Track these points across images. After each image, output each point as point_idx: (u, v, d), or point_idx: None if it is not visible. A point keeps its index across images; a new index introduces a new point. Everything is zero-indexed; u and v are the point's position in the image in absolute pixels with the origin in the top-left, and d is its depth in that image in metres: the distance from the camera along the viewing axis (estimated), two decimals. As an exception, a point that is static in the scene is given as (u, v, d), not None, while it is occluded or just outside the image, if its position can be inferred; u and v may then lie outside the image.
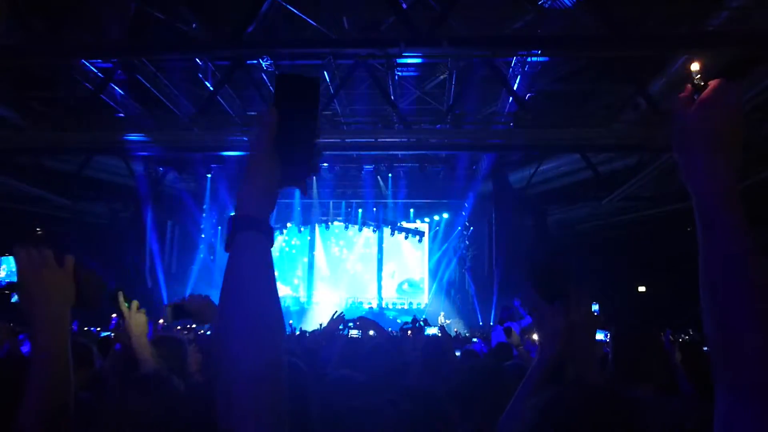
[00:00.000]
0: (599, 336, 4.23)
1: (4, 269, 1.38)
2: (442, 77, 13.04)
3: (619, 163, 14.18)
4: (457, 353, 4.57)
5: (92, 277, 1.41)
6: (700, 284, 0.84)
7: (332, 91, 12.38)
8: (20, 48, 8.80)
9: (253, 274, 0.87)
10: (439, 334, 6.90)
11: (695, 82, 0.94)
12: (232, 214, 0.90)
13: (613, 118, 12.18)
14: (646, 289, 17.15)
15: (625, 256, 15.48)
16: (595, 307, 5.14)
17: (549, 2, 9.70)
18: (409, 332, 4.88)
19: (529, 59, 11.31)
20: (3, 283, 1.39)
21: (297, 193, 18.80)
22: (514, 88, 11.81)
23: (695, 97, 0.92)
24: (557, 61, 11.82)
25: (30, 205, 16.01)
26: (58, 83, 12.69)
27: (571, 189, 16.00)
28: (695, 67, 0.96)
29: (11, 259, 1.36)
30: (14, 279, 1.34)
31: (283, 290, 21.01)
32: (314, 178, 18.27)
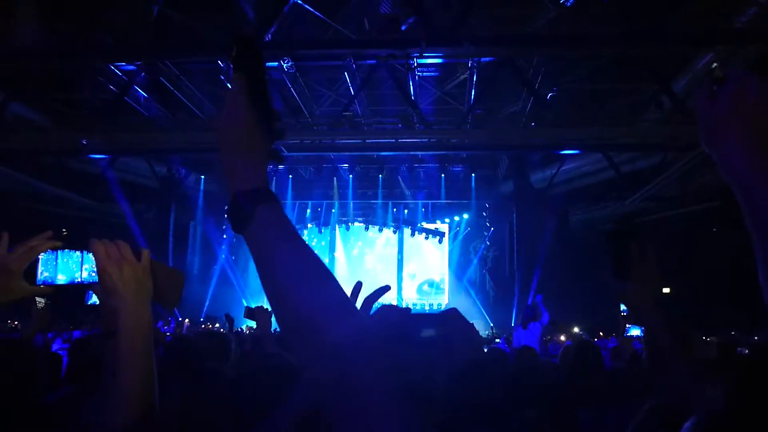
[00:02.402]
0: (635, 332, 4.18)
1: (86, 268, 1.36)
2: (462, 77, 12.99)
3: (643, 163, 13.99)
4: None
5: (170, 271, 1.36)
6: (762, 281, 0.78)
7: (353, 92, 12.40)
8: (47, 52, 8.96)
9: (288, 241, 0.83)
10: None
11: (716, 75, 0.91)
12: (234, 191, 0.85)
13: (636, 116, 12.03)
14: (671, 291, 16.91)
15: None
16: (624, 307, 5.09)
17: (571, 0, 9.61)
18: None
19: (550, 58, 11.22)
20: (86, 282, 1.37)
21: (318, 194, 18.86)
22: (535, 87, 11.72)
23: (715, 90, 0.89)
24: (579, 59, 11.70)
25: (55, 206, 16.29)
26: (83, 86, 12.90)
27: (593, 189, 15.83)
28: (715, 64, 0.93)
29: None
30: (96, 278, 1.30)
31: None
32: (334, 179, 18.38)
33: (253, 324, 3.66)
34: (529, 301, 14.39)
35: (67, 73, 12.24)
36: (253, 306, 3.29)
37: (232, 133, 0.87)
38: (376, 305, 1.33)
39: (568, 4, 9.65)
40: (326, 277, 0.81)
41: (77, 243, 1.34)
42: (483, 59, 11.61)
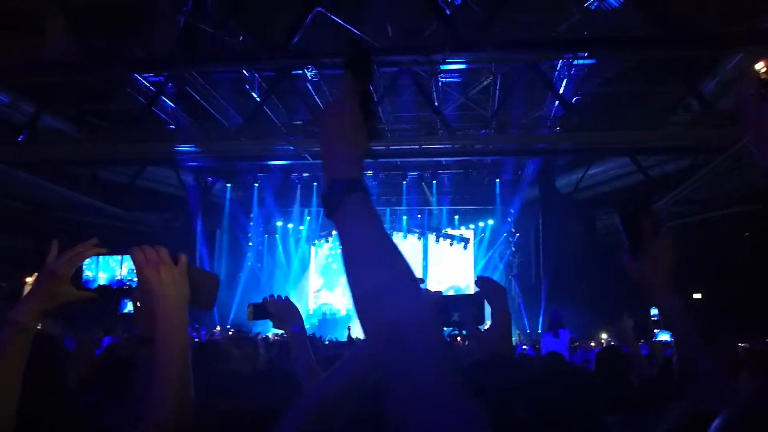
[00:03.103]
0: (665, 336, 4.10)
1: (126, 266, 1.40)
2: (486, 82, 12.94)
3: (671, 166, 13.77)
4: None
5: (205, 275, 1.41)
6: None
7: (376, 98, 12.44)
8: (78, 64, 9.18)
9: (373, 229, 0.89)
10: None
11: (763, 76, 0.90)
12: (330, 178, 0.92)
13: (664, 119, 11.84)
14: (703, 296, 16.55)
15: (680, 262, 14.96)
16: (655, 311, 4.99)
17: (595, 3, 9.53)
18: (459, 338, 4.80)
19: (575, 62, 11.12)
20: (125, 282, 1.41)
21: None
22: (561, 91, 11.63)
23: (765, 92, 0.88)
24: (605, 63, 11.58)
25: (85, 215, 16.63)
26: (112, 97, 13.17)
27: (620, 193, 15.61)
28: (760, 65, 0.93)
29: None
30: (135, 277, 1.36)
31: (330, 297, 21.18)
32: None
33: (279, 331, 3.46)
34: (556, 307, 14.24)
35: (96, 85, 12.51)
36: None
37: (338, 127, 0.95)
38: None
39: (593, 7, 9.58)
40: (398, 260, 0.87)
41: (115, 252, 1.37)
42: (507, 64, 11.57)
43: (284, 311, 2.37)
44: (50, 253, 1.40)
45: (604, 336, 13.89)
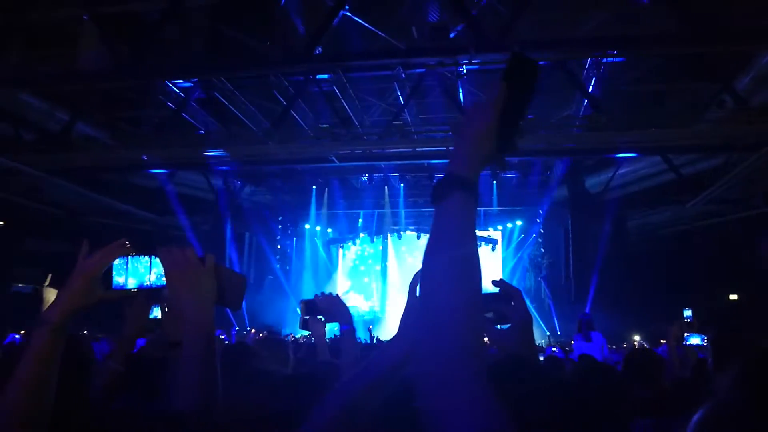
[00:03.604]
0: (696, 340, 4.01)
1: (155, 272, 1.43)
2: (512, 82, 12.83)
3: (704, 164, 13.48)
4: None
5: (233, 275, 1.42)
6: None
7: (402, 101, 12.44)
8: (109, 73, 9.38)
9: (464, 228, 0.92)
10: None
11: None
12: (447, 170, 0.96)
13: (696, 117, 11.60)
14: (738, 297, 16.15)
15: (713, 263, 14.66)
16: (688, 313, 4.88)
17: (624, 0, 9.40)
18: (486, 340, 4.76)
19: (603, 60, 10.97)
20: (154, 286, 1.44)
21: (369, 203, 18.97)
22: (589, 90, 11.48)
23: None
24: (634, 60, 11.39)
25: (118, 220, 16.98)
26: (143, 104, 13.43)
27: (652, 192, 15.35)
28: None
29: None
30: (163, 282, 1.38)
31: (356, 300, 21.23)
32: (385, 188, 18.45)
33: (306, 332, 3.57)
34: (586, 309, 14.04)
35: (127, 93, 12.76)
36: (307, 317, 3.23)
37: (472, 126, 0.98)
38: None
39: (622, 4, 9.44)
40: (473, 267, 0.91)
41: (143, 252, 1.40)
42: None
43: (334, 308, 2.43)
44: (81, 254, 1.43)
45: (636, 338, 13.65)
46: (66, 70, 9.92)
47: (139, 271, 1.43)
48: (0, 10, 9.56)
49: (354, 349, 2.36)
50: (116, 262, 1.43)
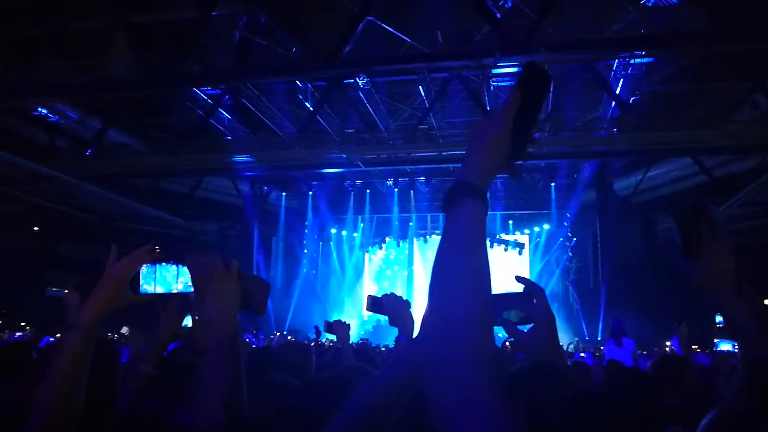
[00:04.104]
0: (726, 346, 3.94)
1: (182, 280, 1.47)
2: (539, 85, 12.73)
3: (737, 166, 13.18)
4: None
5: (256, 281, 1.45)
6: None
7: (427, 105, 12.45)
8: (139, 81, 9.58)
9: (474, 237, 0.93)
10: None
11: None
12: (458, 178, 0.96)
13: (728, 117, 11.36)
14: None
15: (747, 267, 14.28)
16: (720, 318, 4.78)
17: (652, 0, 9.25)
18: (508, 344, 4.70)
19: (631, 61, 10.82)
20: (182, 292, 1.48)
21: (395, 208, 19.02)
22: (617, 91, 11.33)
23: None
24: (663, 61, 11.22)
25: (148, 225, 17.28)
26: (172, 111, 13.67)
27: (683, 195, 15.05)
28: None
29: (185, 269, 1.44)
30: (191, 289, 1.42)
31: (383, 304, 21.17)
32: (411, 192, 18.45)
33: (333, 337, 3.55)
34: (617, 314, 13.82)
35: (157, 100, 13.01)
36: (332, 320, 3.27)
37: (483, 133, 0.98)
38: None
39: (650, 4, 9.31)
40: (482, 274, 0.92)
41: (170, 258, 1.43)
42: (560, 65, 11.37)
43: (399, 314, 2.29)
44: (110, 259, 1.47)
45: (668, 344, 13.38)
46: (99, 79, 10.16)
47: (166, 280, 1.47)
48: (36, 23, 9.84)
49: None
50: (144, 270, 1.46)
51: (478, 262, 0.91)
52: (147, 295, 1.47)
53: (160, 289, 1.47)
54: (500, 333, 1.49)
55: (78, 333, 1.37)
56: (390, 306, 2.30)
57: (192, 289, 1.41)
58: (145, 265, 1.47)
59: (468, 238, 0.92)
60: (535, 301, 1.53)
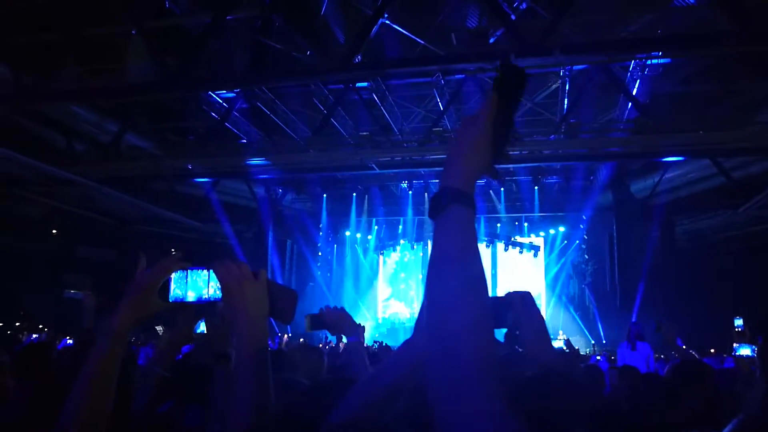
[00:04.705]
0: (746, 351, 3.87)
1: (213, 285, 1.49)
2: (554, 86, 12.68)
3: (757, 168, 13.01)
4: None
5: (284, 290, 1.47)
6: None
7: (442, 107, 12.42)
8: (156, 85, 9.66)
9: (465, 242, 0.92)
10: (566, 349, 6.65)
11: None
12: (442, 184, 0.96)
13: (747, 118, 11.21)
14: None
15: (766, 270, 14.10)
16: (739, 322, 4.70)
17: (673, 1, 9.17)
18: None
19: (648, 62, 10.72)
20: (211, 299, 1.50)
21: (409, 210, 19.03)
22: (633, 93, 11.23)
23: None
24: (680, 62, 11.10)
25: (164, 228, 17.43)
26: (188, 114, 13.78)
27: (701, 197, 14.89)
28: None
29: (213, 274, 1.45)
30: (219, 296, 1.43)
31: (397, 306, 21.22)
32: (426, 194, 18.42)
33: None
34: (633, 318, 13.68)
35: (173, 104, 13.12)
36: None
37: (464, 138, 0.99)
38: None
39: (671, 5, 9.22)
40: (477, 279, 0.90)
41: (200, 264, 1.47)
42: (575, 67, 11.29)
43: (340, 321, 2.41)
44: (139, 267, 1.49)
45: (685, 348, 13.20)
46: (116, 83, 10.27)
47: (197, 285, 1.49)
48: (55, 29, 9.98)
49: (360, 362, 2.31)
50: (175, 275, 1.48)
51: (473, 267, 0.90)
52: (178, 303, 1.50)
53: (191, 294, 1.49)
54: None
55: (109, 338, 1.39)
56: (330, 317, 2.38)
57: (221, 296, 1.42)
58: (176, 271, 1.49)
59: (460, 243, 0.92)
60: (518, 307, 1.51)
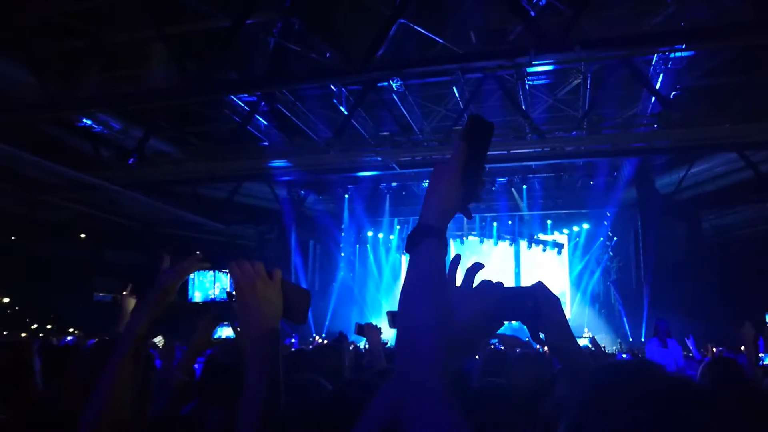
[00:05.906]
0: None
1: (218, 286, 1.52)
2: (575, 82, 12.55)
3: (786, 161, 12.75)
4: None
5: (298, 290, 1.47)
6: None
7: (462, 106, 12.38)
8: (179, 90, 9.79)
9: (433, 270, 1.05)
10: (591, 347, 6.58)
11: None
12: (419, 222, 1.09)
13: (775, 111, 10.98)
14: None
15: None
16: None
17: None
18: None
19: (671, 55, 10.56)
20: (218, 299, 1.52)
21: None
22: (657, 87, 11.07)
23: None
24: (704, 54, 10.91)
25: (189, 230, 17.65)
26: (210, 118, 13.93)
27: (728, 191, 14.61)
28: None
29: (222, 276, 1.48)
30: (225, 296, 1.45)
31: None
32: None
33: (363, 340, 3.59)
34: (660, 315, 13.48)
35: (195, 108, 13.28)
36: (364, 323, 3.24)
37: (438, 180, 1.11)
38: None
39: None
40: (441, 310, 1.01)
41: (215, 266, 1.49)
42: (597, 62, 11.17)
43: (374, 334, 2.46)
44: (162, 269, 1.52)
45: (742, 348, 12.96)
46: (140, 89, 10.43)
47: (204, 285, 1.50)
48: (80, 36, 10.16)
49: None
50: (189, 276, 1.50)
51: (438, 296, 1.02)
52: (193, 303, 1.52)
53: (198, 295, 1.51)
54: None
55: (132, 339, 1.42)
56: (367, 332, 2.58)
57: (226, 297, 1.43)
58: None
59: (429, 273, 1.04)
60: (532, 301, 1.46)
